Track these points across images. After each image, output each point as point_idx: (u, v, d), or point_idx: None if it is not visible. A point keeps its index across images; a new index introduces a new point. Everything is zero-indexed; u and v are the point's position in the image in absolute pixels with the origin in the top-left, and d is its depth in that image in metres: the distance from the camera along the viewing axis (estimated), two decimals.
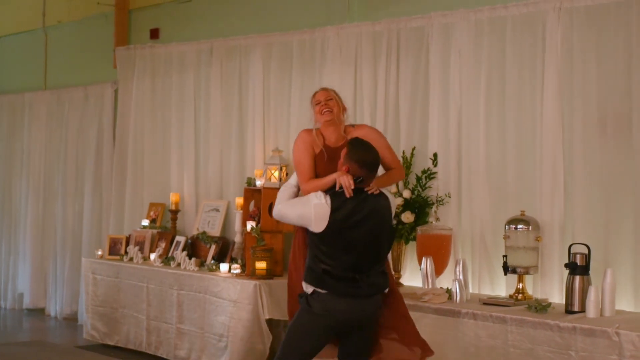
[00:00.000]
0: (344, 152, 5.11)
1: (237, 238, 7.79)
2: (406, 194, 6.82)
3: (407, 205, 6.80)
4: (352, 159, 5.04)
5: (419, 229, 6.65)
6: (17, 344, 8.89)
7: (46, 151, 10.77)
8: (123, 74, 9.63)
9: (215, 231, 8.30)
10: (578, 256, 5.60)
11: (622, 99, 5.92)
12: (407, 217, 6.74)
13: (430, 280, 6.22)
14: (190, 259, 7.91)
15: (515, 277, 6.07)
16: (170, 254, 8.35)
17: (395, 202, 5.37)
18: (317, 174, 5.33)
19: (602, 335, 4.99)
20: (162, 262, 8.21)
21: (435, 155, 6.87)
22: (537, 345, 5.27)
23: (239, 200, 7.89)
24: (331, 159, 5.29)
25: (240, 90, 8.53)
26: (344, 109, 5.48)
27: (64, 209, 10.38)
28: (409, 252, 6.96)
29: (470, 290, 6.29)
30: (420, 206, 6.84)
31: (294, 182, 5.39)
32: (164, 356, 7.82)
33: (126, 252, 8.64)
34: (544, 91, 6.29)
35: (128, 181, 9.46)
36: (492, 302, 5.88)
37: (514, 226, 6.03)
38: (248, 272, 7.25)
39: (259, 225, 7.35)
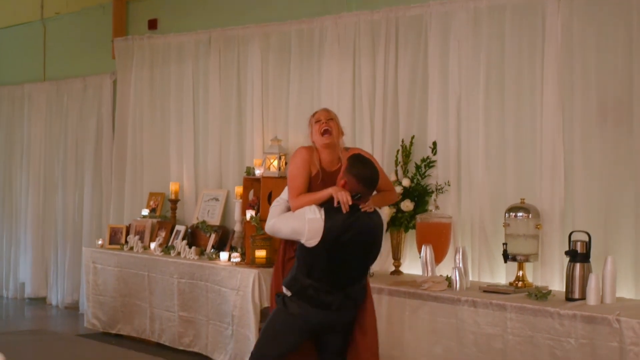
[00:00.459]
0: (343, 167, 5.06)
1: (237, 227, 7.81)
2: (406, 182, 6.83)
3: (406, 193, 6.81)
4: (351, 174, 4.95)
5: (419, 217, 6.66)
6: (19, 332, 8.91)
7: (46, 142, 10.78)
8: (122, 64, 9.63)
9: (215, 220, 8.32)
10: (578, 244, 5.61)
11: (622, 87, 5.91)
12: (407, 205, 6.75)
13: (429, 268, 6.24)
14: (190, 247, 7.93)
15: (515, 265, 6.08)
16: (170, 243, 8.37)
17: (386, 220, 5.28)
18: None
19: (603, 323, 5.00)
20: (162, 251, 8.23)
21: (434, 143, 6.87)
22: (537, 333, 5.28)
23: (239, 190, 7.89)
24: (324, 182, 5.22)
25: (239, 79, 8.53)
26: (342, 133, 5.40)
27: (64, 199, 10.41)
28: (409, 241, 6.96)
29: (470, 278, 6.30)
30: (419, 194, 6.85)
31: (286, 197, 5.29)
32: (167, 344, 7.86)
33: (126, 242, 8.66)
34: (543, 79, 6.28)
35: (128, 171, 9.48)
36: (492, 290, 5.88)
37: (514, 214, 6.04)
38: (248, 260, 7.27)
39: (259, 214, 7.35)
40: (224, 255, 7.54)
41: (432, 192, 6.82)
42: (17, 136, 11.21)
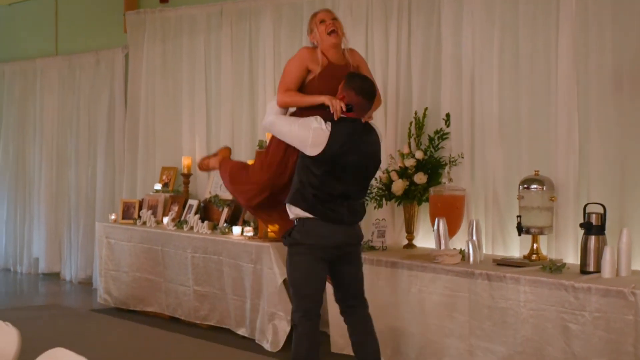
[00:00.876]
0: (341, 83, 5.20)
1: None
2: (419, 154, 6.77)
3: (419, 166, 6.75)
4: (350, 87, 5.15)
5: (432, 190, 6.61)
6: (33, 307, 8.95)
7: (58, 117, 10.79)
8: (133, 38, 9.61)
9: (227, 194, 8.27)
10: (593, 216, 5.54)
11: (638, 56, 5.81)
12: (420, 178, 6.69)
13: (443, 241, 6.18)
14: (202, 222, 7.91)
15: (529, 237, 6.02)
16: (183, 218, 8.36)
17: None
18: (315, 92, 5.33)
19: (618, 296, 4.94)
20: (175, 225, 8.23)
21: (447, 115, 6.79)
22: (550, 306, 5.23)
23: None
24: (335, 77, 5.31)
25: (251, 52, 8.48)
26: (344, 34, 5.55)
27: (77, 174, 10.43)
28: (422, 213, 6.92)
29: (484, 251, 6.25)
30: (433, 167, 6.79)
31: None
32: (182, 317, 7.87)
33: (139, 216, 8.65)
34: (558, 49, 6.19)
35: (140, 145, 9.47)
36: (506, 263, 5.83)
37: (528, 186, 5.97)
38: (260, 234, 7.25)
39: None
40: (236, 229, 7.52)
41: (446, 164, 6.75)
42: (30, 111, 11.22)
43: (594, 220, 5.53)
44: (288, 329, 6.65)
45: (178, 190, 8.92)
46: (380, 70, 7.26)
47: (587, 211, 5.59)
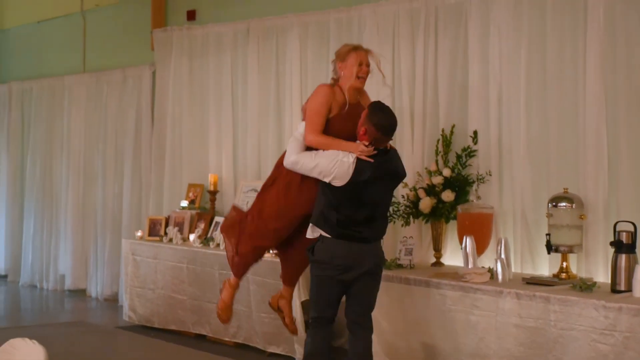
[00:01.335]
0: (363, 114, 5.32)
1: None
2: (446, 172, 6.73)
3: (447, 183, 6.71)
4: (370, 122, 5.25)
5: (460, 208, 6.56)
6: (59, 324, 8.96)
7: (86, 133, 10.83)
8: (160, 55, 9.64)
9: None
10: (624, 234, 5.48)
11: None
12: (448, 195, 6.65)
13: (471, 259, 6.12)
14: None
15: (558, 256, 5.96)
16: (209, 235, 8.35)
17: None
18: (335, 131, 5.48)
19: None
20: (201, 242, 8.22)
21: (475, 132, 6.76)
22: (580, 326, 5.16)
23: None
24: (353, 115, 5.46)
25: (278, 70, 8.48)
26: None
27: (103, 191, 10.45)
28: (450, 231, 6.87)
29: (513, 270, 6.20)
30: (460, 184, 6.74)
31: (302, 131, 5.57)
32: (210, 335, 7.84)
33: (165, 233, 8.65)
34: (586, 65, 6.15)
35: (167, 162, 9.48)
36: (535, 282, 5.77)
37: (556, 204, 5.91)
38: None
39: None
40: None
41: (473, 182, 6.71)
42: (57, 128, 11.27)
43: (624, 238, 5.48)
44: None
45: (204, 207, 8.92)
46: (407, 87, 7.24)
47: (617, 229, 5.54)
